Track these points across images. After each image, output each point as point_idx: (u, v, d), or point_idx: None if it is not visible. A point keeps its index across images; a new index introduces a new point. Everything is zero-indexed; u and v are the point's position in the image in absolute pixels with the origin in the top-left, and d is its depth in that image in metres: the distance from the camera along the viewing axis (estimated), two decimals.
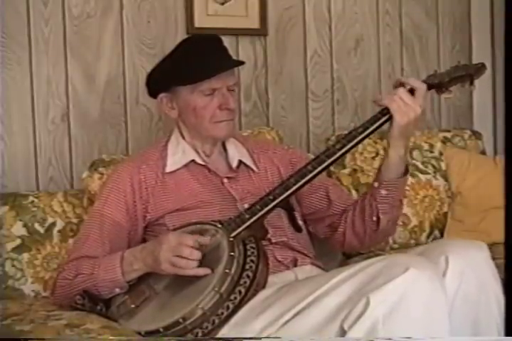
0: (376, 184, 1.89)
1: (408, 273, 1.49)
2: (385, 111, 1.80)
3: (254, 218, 1.76)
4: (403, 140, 1.83)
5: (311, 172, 1.79)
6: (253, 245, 1.71)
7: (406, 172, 1.89)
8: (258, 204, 1.78)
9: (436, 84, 1.84)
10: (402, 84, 1.82)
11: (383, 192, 1.87)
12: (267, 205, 1.77)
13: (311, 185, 1.99)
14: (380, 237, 2.02)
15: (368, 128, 1.80)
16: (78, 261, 1.83)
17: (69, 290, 1.80)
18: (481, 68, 1.84)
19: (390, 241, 2.50)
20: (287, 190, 1.79)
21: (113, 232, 1.88)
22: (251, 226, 1.75)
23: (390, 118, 1.80)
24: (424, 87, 1.81)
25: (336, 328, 1.53)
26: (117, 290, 1.77)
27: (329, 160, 1.80)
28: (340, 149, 1.80)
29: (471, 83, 1.84)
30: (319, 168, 1.80)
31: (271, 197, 1.78)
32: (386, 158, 1.87)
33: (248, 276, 1.65)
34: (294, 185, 1.79)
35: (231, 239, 1.71)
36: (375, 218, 1.91)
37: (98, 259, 1.80)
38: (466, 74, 1.84)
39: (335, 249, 2.24)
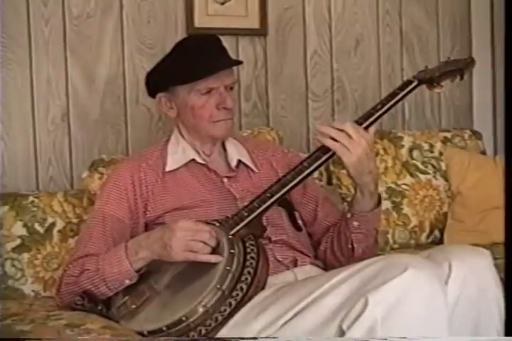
0: (349, 215, 1.88)
1: (407, 273, 1.49)
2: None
3: (253, 215, 1.75)
4: (365, 176, 1.77)
5: (307, 168, 1.79)
6: (252, 242, 1.70)
7: (379, 203, 1.87)
8: (256, 202, 1.77)
9: (428, 80, 1.86)
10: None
11: (355, 223, 1.87)
12: (264, 202, 1.77)
13: (305, 193, 2.01)
14: (360, 259, 1.98)
15: None
16: (83, 259, 1.82)
17: (75, 287, 1.79)
18: (470, 62, 1.88)
19: (390, 241, 2.50)
20: (284, 187, 1.78)
21: (116, 230, 1.88)
22: (249, 224, 1.74)
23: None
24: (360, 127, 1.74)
25: (334, 328, 1.52)
26: (127, 282, 1.75)
27: (325, 157, 1.78)
28: None
29: (462, 77, 1.87)
30: (315, 165, 1.79)
31: (268, 195, 1.78)
32: (355, 194, 1.85)
33: (249, 273, 1.65)
34: (291, 181, 1.78)
35: (230, 237, 1.70)
36: (349, 246, 1.91)
37: (101, 255, 1.79)
38: (456, 68, 1.87)
39: None
